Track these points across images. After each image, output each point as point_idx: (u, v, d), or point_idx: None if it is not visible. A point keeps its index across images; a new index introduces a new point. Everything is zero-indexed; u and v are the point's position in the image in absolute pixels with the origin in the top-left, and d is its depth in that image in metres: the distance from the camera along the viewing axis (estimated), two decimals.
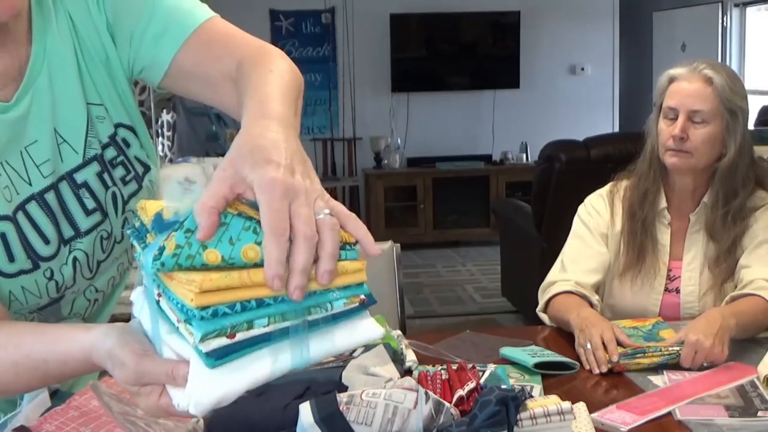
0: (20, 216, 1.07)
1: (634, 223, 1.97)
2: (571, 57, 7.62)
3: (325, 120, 7.36)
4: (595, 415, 1.32)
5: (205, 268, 0.74)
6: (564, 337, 1.81)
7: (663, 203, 1.97)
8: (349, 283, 0.81)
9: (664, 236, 1.98)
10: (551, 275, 1.99)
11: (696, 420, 1.32)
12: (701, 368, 1.57)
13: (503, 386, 1.18)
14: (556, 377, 1.54)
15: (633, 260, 1.96)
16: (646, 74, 7.29)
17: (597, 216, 2.02)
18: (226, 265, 0.74)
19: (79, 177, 1.12)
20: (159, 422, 1.11)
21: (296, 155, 0.80)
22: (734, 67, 6.18)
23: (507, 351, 1.62)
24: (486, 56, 7.45)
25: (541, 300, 1.96)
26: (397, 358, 1.45)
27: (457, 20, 7.35)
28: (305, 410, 1.09)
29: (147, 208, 0.83)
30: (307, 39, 7.28)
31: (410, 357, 1.53)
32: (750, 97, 1.99)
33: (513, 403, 1.11)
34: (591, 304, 1.87)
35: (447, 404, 1.13)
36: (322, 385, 1.26)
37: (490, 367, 1.54)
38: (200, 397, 0.78)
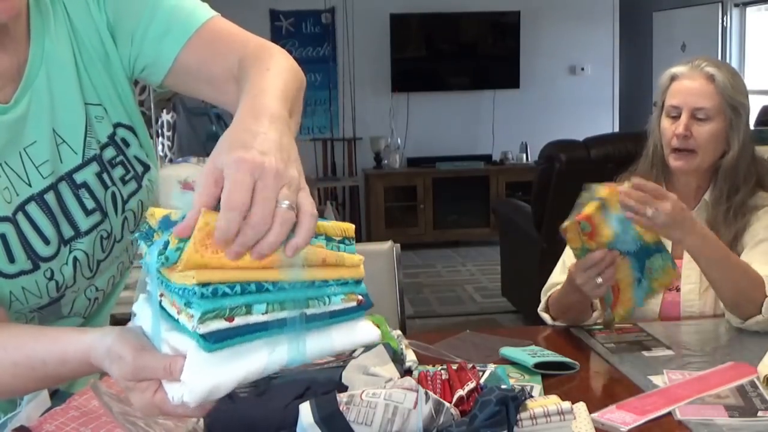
0: (20, 217, 1.07)
1: None
2: (571, 57, 7.62)
3: (325, 120, 7.36)
4: (595, 415, 1.32)
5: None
6: (564, 337, 1.81)
7: None
8: (347, 278, 0.82)
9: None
10: (553, 277, 1.99)
11: (696, 420, 1.32)
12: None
13: (503, 386, 1.18)
14: (556, 377, 1.54)
15: None
16: (646, 74, 7.30)
17: None
18: None
19: (79, 177, 1.12)
20: (159, 422, 1.11)
21: (276, 144, 0.79)
22: (734, 66, 6.17)
23: (507, 351, 1.62)
24: (486, 56, 7.45)
25: (543, 299, 1.96)
26: (397, 358, 1.45)
27: (457, 20, 7.35)
28: (305, 410, 1.09)
29: (156, 215, 0.84)
30: (307, 39, 7.28)
31: (410, 357, 1.53)
32: (750, 97, 1.99)
33: (513, 403, 1.11)
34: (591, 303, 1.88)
35: (447, 404, 1.13)
36: (322, 385, 1.26)
37: (490, 367, 1.54)
38: (194, 384, 0.78)
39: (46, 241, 1.09)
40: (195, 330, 0.76)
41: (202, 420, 1.16)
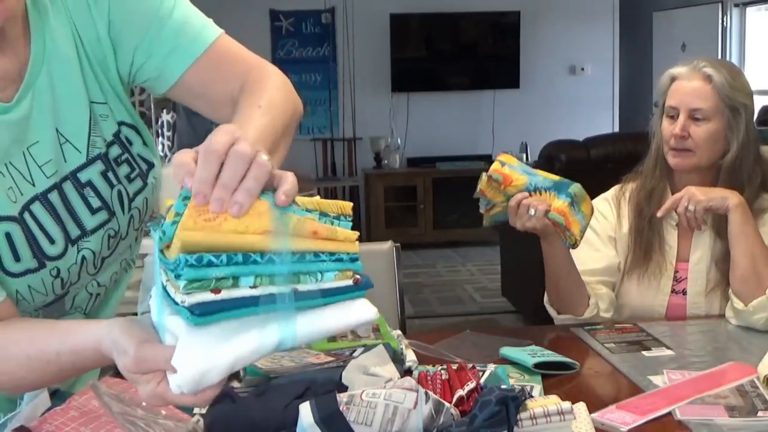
0: (27, 216, 1.08)
1: (641, 221, 1.98)
2: (571, 57, 7.62)
3: (325, 120, 7.36)
4: (595, 415, 1.32)
5: None
6: (564, 337, 1.81)
7: None
8: (340, 251, 0.80)
9: (671, 237, 1.98)
10: None
11: (696, 420, 1.32)
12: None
13: (503, 386, 1.18)
14: (556, 377, 1.54)
15: (640, 258, 1.97)
16: (646, 74, 7.30)
17: (603, 219, 2.03)
18: None
19: (83, 176, 1.12)
20: (159, 422, 1.11)
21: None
22: None
23: (507, 351, 1.62)
24: (486, 56, 7.45)
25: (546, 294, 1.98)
26: (397, 358, 1.45)
27: (457, 20, 7.35)
28: (305, 410, 1.09)
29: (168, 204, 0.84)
30: (307, 39, 7.28)
31: (410, 357, 1.53)
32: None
33: (513, 403, 1.11)
34: (589, 297, 1.90)
35: (447, 404, 1.13)
36: (322, 385, 1.26)
37: (490, 367, 1.54)
38: (184, 368, 0.78)
39: (51, 241, 1.10)
40: (183, 304, 0.75)
41: (202, 420, 1.16)
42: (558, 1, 7.51)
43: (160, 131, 4.15)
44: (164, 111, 4.19)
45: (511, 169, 1.84)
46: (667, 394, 1.43)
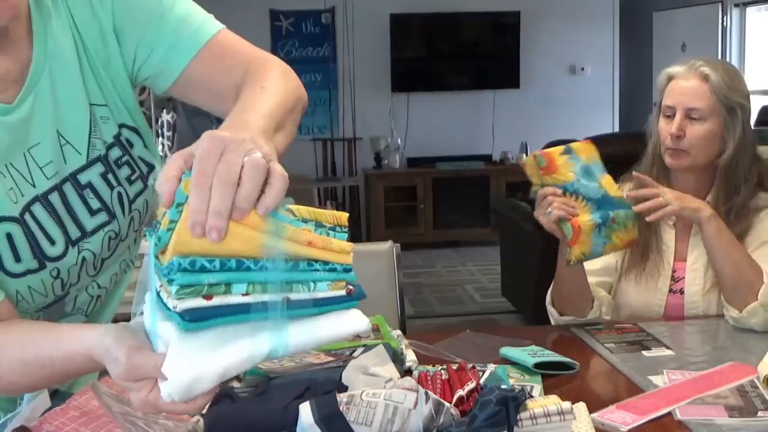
0: (27, 217, 1.08)
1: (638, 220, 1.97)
2: (571, 57, 7.62)
3: (325, 120, 7.36)
4: (595, 415, 1.32)
5: None
6: (564, 337, 1.81)
7: None
8: (334, 262, 0.80)
9: (669, 237, 1.98)
10: None
11: (696, 420, 1.32)
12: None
13: (503, 386, 1.18)
14: (556, 377, 1.54)
15: (637, 258, 1.97)
16: (646, 74, 7.30)
17: None
18: None
19: (83, 178, 1.12)
20: (159, 422, 1.11)
21: (251, 138, 0.79)
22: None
23: (507, 351, 1.62)
24: (486, 56, 7.45)
25: (549, 294, 1.97)
26: (397, 358, 1.45)
27: (457, 20, 7.35)
28: (305, 410, 1.09)
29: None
30: (307, 39, 7.29)
31: (410, 357, 1.53)
32: (751, 97, 1.99)
33: (513, 403, 1.11)
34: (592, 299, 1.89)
35: (447, 404, 1.13)
36: (322, 385, 1.26)
37: (490, 367, 1.54)
38: (174, 375, 0.78)
39: (52, 242, 1.10)
40: (174, 310, 0.75)
41: (202, 420, 1.16)
42: (558, 2, 7.51)
43: (160, 131, 4.15)
44: (164, 111, 4.19)
45: (565, 161, 1.78)
46: (667, 394, 1.43)
